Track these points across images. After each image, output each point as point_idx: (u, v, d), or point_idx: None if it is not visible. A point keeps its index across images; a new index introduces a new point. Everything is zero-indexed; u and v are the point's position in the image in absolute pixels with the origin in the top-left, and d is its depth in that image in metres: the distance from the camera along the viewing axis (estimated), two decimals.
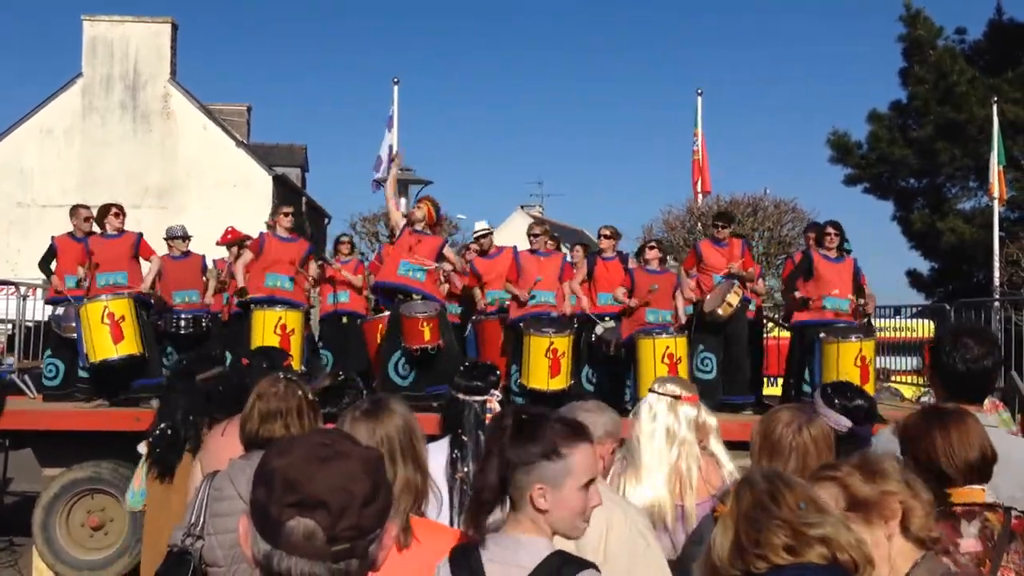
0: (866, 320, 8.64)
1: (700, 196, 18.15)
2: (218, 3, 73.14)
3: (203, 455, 3.86)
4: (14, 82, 59.37)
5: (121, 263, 8.43)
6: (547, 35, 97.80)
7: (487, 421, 3.44)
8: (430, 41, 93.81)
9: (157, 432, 4.53)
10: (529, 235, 9.12)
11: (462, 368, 3.84)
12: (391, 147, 12.07)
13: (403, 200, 13.86)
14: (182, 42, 28.60)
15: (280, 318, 8.29)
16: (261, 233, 9.10)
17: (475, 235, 9.65)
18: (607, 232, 9.18)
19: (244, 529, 1.44)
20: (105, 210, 8.58)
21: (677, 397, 3.49)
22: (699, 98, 17.95)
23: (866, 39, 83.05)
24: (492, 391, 3.56)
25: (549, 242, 9.29)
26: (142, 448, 4.88)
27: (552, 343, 8.13)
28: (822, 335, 7.98)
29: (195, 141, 27.65)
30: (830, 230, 8.38)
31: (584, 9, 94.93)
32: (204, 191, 26.94)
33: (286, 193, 29.16)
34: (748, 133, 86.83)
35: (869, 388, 7.55)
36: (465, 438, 3.45)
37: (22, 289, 11.14)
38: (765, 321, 10.87)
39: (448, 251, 8.83)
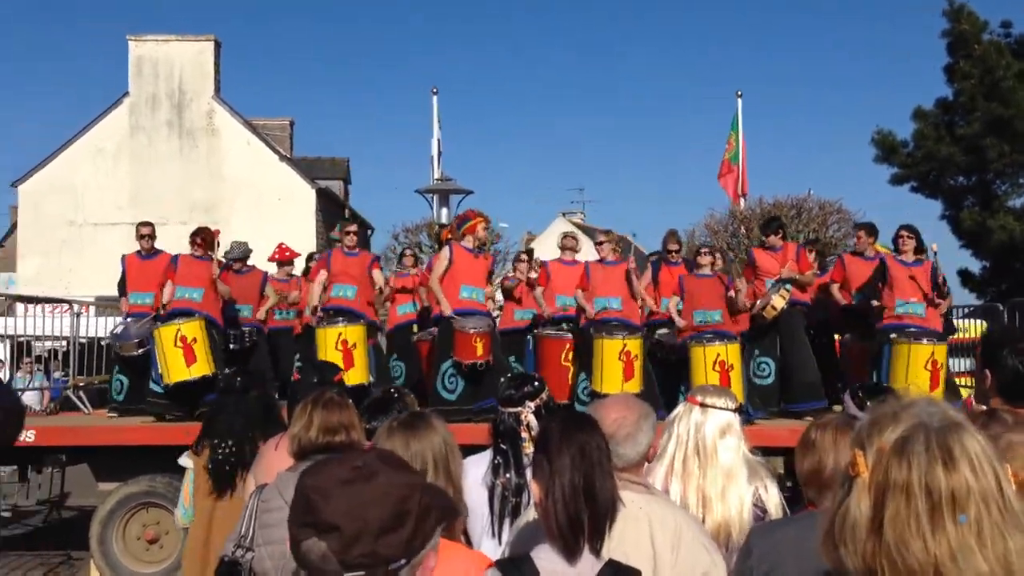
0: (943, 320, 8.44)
1: (741, 199, 18.05)
2: (260, 20, 74.32)
3: (256, 469, 3.88)
4: (65, 102, 60.72)
5: (200, 281, 8.69)
6: (585, 41, 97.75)
7: (521, 433, 3.47)
8: (468, 50, 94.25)
9: (219, 450, 4.58)
10: (596, 244, 9.12)
11: (503, 380, 3.92)
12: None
13: (444, 210, 13.92)
14: (225, 59, 29.07)
15: (340, 334, 8.42)
16: (328, 251, 9.57)
17: (563, 237, 9.92)
18: (675, 246, 9.41)
19: None
20: (196, 233, 9.03)
21: (703, 405, 3.21)
22: (739, 100, 17.88)
23: (909, 35, 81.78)
24: (527, 402, 3.55)
25: (615, 249, 9.27)
26: (185, 461, 4.91)
27: (625, 345, 8.07)
28: (893, 335, 7.84)
29: (239, 157, 28.02)
30: (903, 234, 8.25)
31: (621, 14, 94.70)
32: (249, 206, 27.21)
33: (330, 206, 29.44)
34: (790, 134, 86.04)
35: (938, 394, 7.24)
36: (504, 447, 3.48)
37: (75, 307, 11.38)
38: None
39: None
